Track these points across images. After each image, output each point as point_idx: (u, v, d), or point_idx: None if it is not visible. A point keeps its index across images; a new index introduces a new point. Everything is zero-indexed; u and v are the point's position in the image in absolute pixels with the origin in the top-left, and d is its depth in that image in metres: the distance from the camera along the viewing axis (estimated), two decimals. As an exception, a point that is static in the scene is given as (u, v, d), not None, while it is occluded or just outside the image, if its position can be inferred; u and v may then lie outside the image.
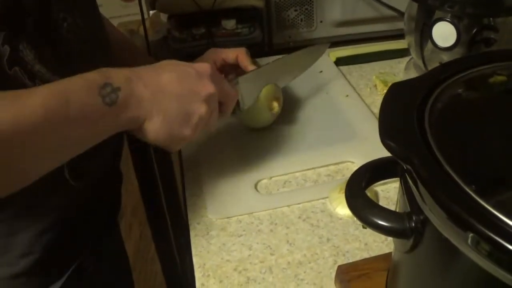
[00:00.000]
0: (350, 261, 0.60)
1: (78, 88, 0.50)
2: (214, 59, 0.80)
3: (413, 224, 0.38)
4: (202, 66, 0.60)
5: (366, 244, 0.63)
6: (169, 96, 0.56)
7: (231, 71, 0.81)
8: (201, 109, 0.58)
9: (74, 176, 0.63)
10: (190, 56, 0.82)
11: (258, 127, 0.82)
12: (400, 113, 0.40)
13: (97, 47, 0.67)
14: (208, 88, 0.58)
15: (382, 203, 0.68)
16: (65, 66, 0.58)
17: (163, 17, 1.16)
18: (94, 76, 0.52)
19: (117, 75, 0.53)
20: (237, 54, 0.80)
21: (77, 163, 0.56)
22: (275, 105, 0.80)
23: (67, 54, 0.60)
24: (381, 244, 0.62)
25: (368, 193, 0.66)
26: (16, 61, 0.53)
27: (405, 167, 0.36)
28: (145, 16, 1.02)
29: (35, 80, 0.56)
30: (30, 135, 0.46)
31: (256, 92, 0.77)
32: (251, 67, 0.79)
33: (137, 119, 0.55)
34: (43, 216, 0.63)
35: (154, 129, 0.56)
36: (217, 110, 0.62)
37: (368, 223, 0.40)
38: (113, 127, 0.54)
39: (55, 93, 0.49)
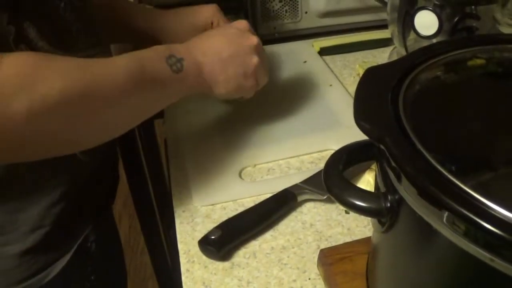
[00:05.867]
0: (333, 245, 0.60)
1: (150, 57, 0.59)
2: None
3: (389, 204, 0.39)
4: (241, 23, 0.71)
5: (348, 229, 0.64)
6: (225, 59, 0.66)
7: None
8: (253, 59, 0.68)
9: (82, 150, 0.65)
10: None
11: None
12: (374, 95, 0.41)
13: (90, 25, 0.69)
14: (252, 40, 0.69)
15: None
16: (65, 41, 0.62)
17: (149, 8, 1.15)
18: (161, 48, 0.61)
19: (178, 48, 0.63)
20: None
21: None
22: None
23: (66, 31, 0.63)
24: (363, 229, 0.63)
25: (361, 183, 0.67)
26: (21, 39, 0.56)
27: (378, 147, 0.37)
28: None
29: None
30: (110, 94, 0.54)
31: None
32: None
33: (203, 82, 0.65)
34: (52, 190, 0.65)
35: (223, 88, 0.67)
36: (265, 58, 0.72)
37: (345, 204, 0.41)
38: (181, 91, 0.64)
39: (133, 59, 0.57)
